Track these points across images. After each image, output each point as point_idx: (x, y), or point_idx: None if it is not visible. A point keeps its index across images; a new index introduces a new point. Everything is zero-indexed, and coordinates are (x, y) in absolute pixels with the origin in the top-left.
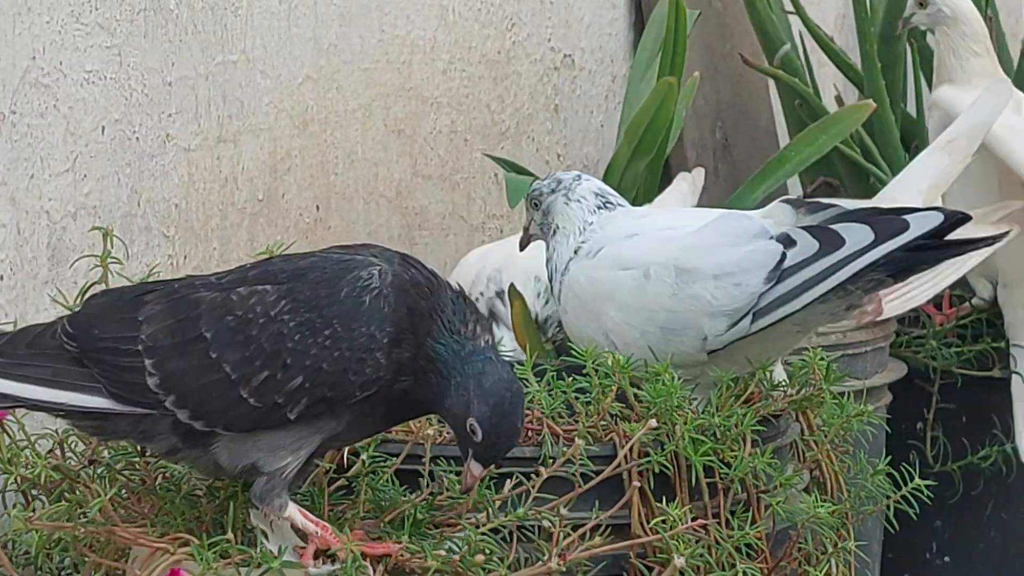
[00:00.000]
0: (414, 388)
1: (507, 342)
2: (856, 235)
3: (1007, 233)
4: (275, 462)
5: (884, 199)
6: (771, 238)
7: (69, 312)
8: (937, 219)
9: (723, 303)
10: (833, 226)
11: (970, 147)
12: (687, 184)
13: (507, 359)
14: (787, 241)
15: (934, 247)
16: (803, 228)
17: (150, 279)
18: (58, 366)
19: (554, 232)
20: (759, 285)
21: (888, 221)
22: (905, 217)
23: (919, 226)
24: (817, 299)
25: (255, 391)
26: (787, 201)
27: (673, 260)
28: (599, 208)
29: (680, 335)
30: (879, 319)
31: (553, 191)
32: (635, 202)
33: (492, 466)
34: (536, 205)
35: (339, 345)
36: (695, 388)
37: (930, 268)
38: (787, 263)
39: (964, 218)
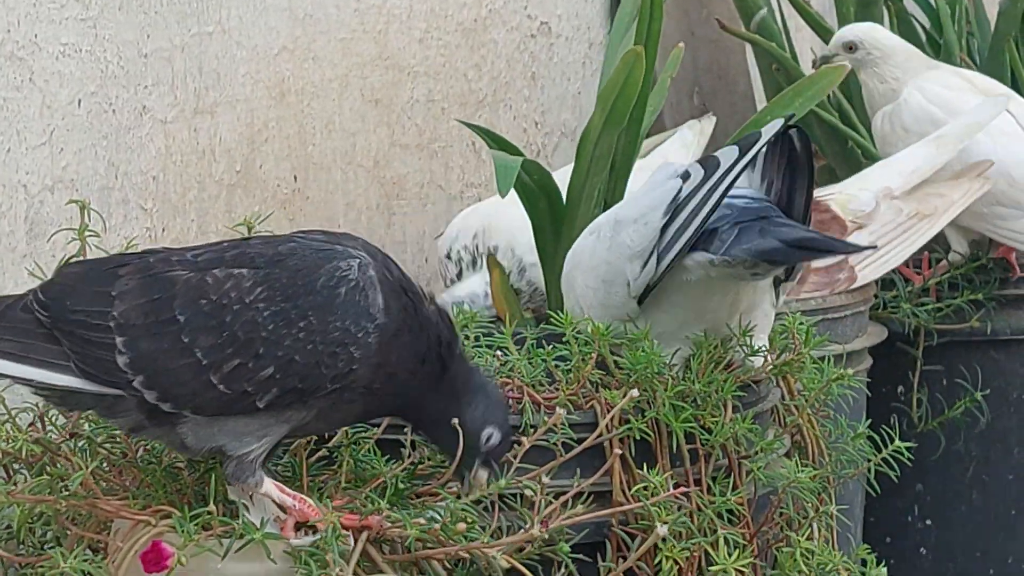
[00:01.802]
0: (420, 394)
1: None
2: (727, 155)
3: (874, 246)
4: (240, 447)
5: (867, 176)
6: (676, 176)
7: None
8: (779, 123)
9: (636, 244)
10: (716, 152)
11: (957, 144)
12: (692, 133)
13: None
14: (685, 175)
15: (801, 247)
16: (698, 160)
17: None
18: (27, 341)
19: None
20: (659, 221)
21: (747, 137)
22: (759, 130)
23: (768, 132)
24: (703, 243)
25: (225, 378)
26: (736, 143)
27: (614, 214)
28: None
29: (614, 286)
30: (853, 287)
31: None
32: (613, 168)
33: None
34: None
35: (312, 338)
36: (674, 354)
37: (807, 259)
38: (681, 196)
39: (805, 135)
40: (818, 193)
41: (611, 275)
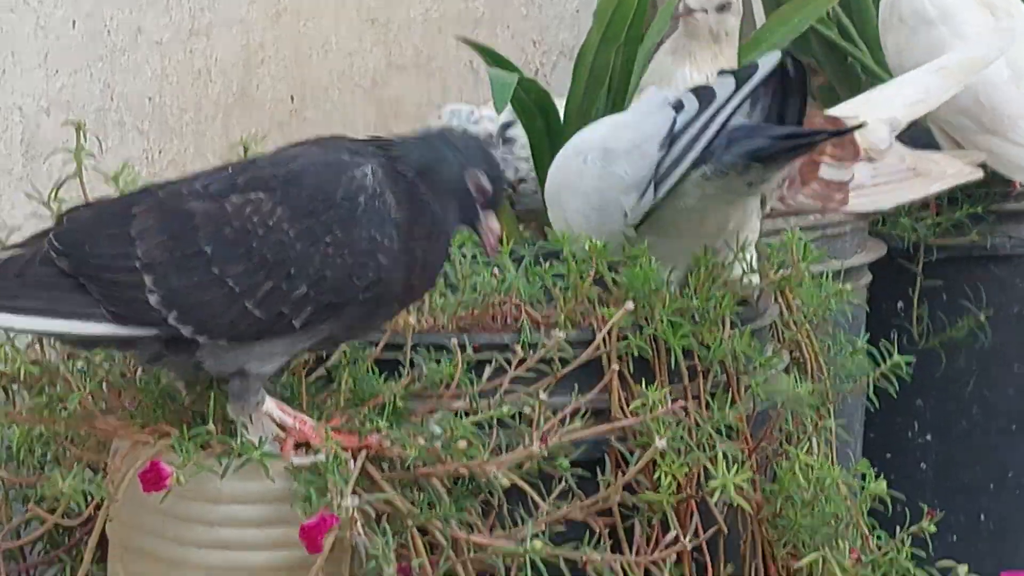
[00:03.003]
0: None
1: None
2: (723, 87)
3: (859, 126)
4: (262, 366)
5: (872, 101)
6: (669, 105)
7: (50, 214)
8: (775, 57)
9: (632, 175)
10: (710, 83)
11: (962, 78)
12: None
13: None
14: (679, 106)
15: (791, 141)
16: (690, 89)
17: (125, 173)
18: (52, 294)
19: None
20: (656, 153)
21: (743, 70)
22: (756, 62)
23: (766, 65)
24: (698, 161)
25: (260, 303)
26: (722, 72)
27: (601, 142)
28: None
29: (608, 215)
30: (842, 210)
31: None
32: (611, 87)
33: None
34: None
35: (341, 251)
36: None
37: (793, 157)
38: (677, 127)
39: (800, 64)
40: (835, 111)
41: (605, 204)
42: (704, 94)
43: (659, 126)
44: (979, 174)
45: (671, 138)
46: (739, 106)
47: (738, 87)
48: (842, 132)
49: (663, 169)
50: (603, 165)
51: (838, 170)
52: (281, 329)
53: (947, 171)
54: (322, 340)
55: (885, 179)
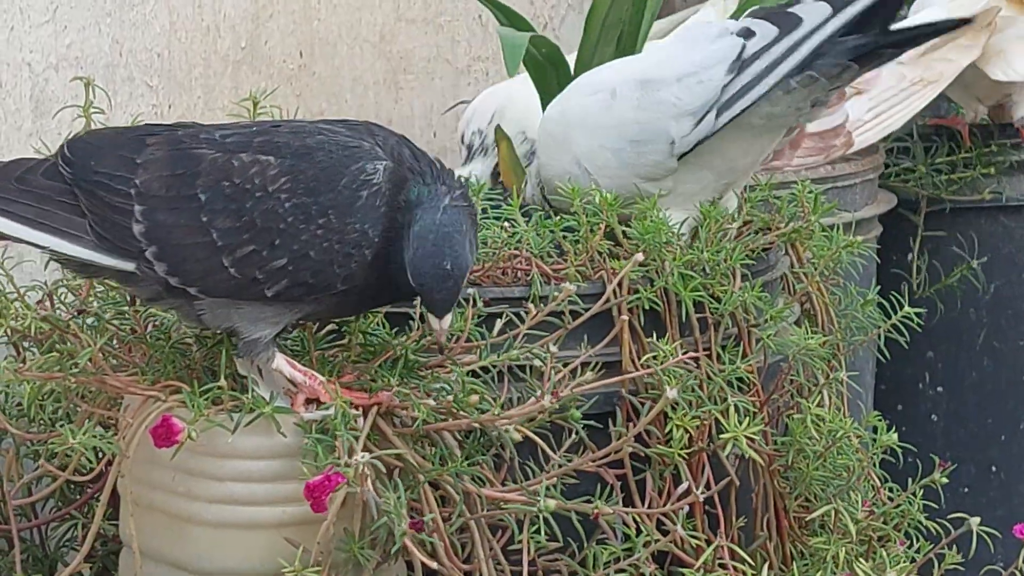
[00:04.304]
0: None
1: (481, 172)
2: (813, 12)
3: (971, 20)
4: (254, 331)
5: None
6: (732, 34)
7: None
8: None
9: (687, 102)
10: (791, 9)
11: (971, 8)
12: (716, 12)
13: (463, 204)
14: (747, 33)
15: (898, 36)
16: (762, 17)
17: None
18: (44, 207)
19: None
20: (721, 78)
21: None
22: None
23: None
24: (780, 82)
25: (237, 262)
26: (752, 14)
27: (638, 76)
28: None
29: (649, 144)
30: (849, 152)
31: None
32: (621, 40)
33: (449, 316)
34: None
35: (330, 236)
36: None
37: (894, 56)
38: (747, 53)
39: None
40: None
41: (644, 135)
42: (784, 19)
43: (721, 53)
44: (993, 30)
45: (740, 64)
46: (836, 32)
47: (836, 12)
48: (960, 23)
49: (728, 95)
50: (643, 95)
51: (826, 118)
52: (253, 294)
53: (961, 63)
54: (306, 315)
55: (887, 104)
